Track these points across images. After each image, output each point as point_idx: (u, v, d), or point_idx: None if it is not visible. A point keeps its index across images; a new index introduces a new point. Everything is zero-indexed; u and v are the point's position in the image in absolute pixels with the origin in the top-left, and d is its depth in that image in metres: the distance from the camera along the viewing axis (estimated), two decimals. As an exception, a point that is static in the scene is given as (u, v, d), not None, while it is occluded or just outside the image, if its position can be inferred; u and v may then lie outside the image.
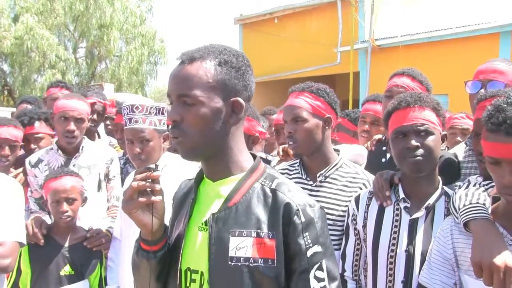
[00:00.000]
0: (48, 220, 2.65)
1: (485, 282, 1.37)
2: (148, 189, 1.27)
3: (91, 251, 2.51)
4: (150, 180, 1.26)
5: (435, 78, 2.47)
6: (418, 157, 1.77)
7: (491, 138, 1.39)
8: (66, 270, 2.43)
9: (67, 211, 2.44)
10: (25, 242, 2.09)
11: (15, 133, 2.89)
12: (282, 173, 2.23)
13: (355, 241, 1.98)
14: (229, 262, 1.22)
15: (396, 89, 2.43)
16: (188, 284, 1.29)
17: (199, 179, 1.38)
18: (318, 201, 2.02)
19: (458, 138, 3.46)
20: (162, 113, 2.30)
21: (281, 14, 14.05)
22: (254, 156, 1.36)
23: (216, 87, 1.25)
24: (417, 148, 1.77)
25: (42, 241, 2.43)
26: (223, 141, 1.29)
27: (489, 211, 1.53)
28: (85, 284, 2.46)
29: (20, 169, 2.99)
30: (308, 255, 1.22)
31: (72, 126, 2.80)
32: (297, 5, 13.69)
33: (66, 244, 2.49)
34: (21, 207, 2.14)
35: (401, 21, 12.17)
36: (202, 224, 1.30)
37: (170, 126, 1.29)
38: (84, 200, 2.58)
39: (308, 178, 2.14)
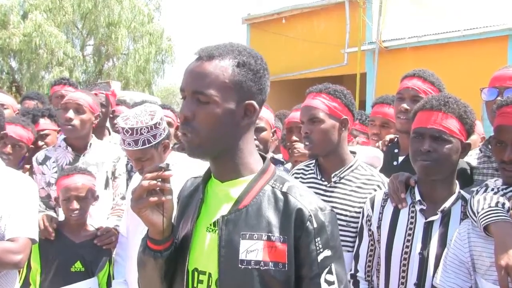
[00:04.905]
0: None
1: None
2: (158, 189, 1.26)
3: (101, 248, 2.54)
4: (160, 180, 1.25)
5: (442, 80, 2.45)
6: (428, 162, 1.77)
7: None
8: (77, 266, 2.46)
9: (77, 209, 2.48)
10: (37, 239, 2.10)
11: (21, 132, 2.86)
12: (298, 173, 2.25)
13: (369, 242, 1.97)
14: (240, 265, 1.22)
15: (407, 91, 2.39)
16: (195, 285, 1.29)
17: (206, 178, 1.37)
18: (332, 201, 2.05)
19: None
20: (156, 127, 2.26)
21: (289, 14, 14.05)
22: (263, 158, 1.35)
23: (232, 88, 1.23)
24: (429, 153, 1.76)
25: (53, 234, 2.46)
26: (233, 142, 1.27)
27: (509, 215, 1.52)
28: (94, 281, 2.49)
29: (28, 166, 2.99)
30: (319, 260, 1.22)
31: (69, 114, 2.77)
32: (304, 6, 13.69)
33: (77, 241, 2.52)
34: (35, 205, 2.16)
35: (408, 23, 12.14)
36: (210, 225, 1.29)
37: (181, 122, 1.28)
38: (96, 198, 2.60)
39: (323, 179, 2.14)
